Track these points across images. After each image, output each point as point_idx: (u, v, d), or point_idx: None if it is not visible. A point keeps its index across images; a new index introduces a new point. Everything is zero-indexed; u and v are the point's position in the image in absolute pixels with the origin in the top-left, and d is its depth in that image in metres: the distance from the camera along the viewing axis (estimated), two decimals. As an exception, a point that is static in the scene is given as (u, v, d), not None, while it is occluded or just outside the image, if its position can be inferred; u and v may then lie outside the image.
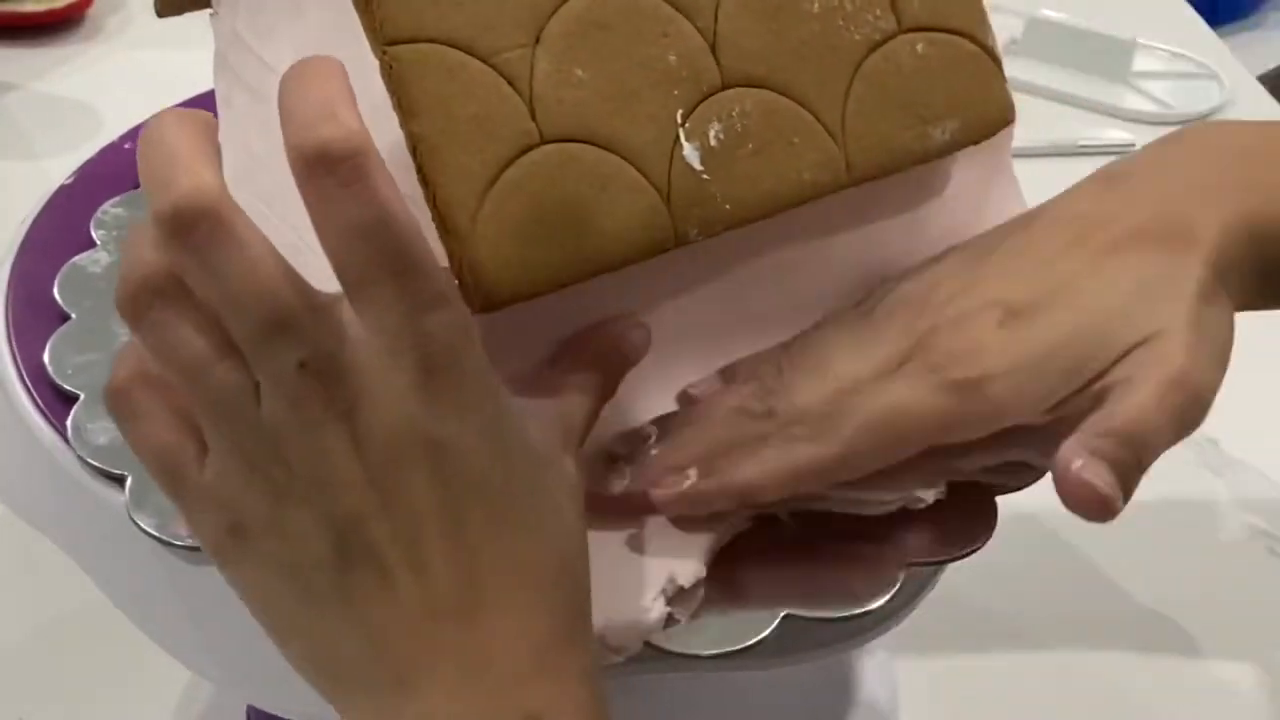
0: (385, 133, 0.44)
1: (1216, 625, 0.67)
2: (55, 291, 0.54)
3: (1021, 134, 0.51)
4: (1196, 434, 0.73)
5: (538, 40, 0.43)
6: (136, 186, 0.59)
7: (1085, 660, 0.66)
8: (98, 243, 0.57)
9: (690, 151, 0.44)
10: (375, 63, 0.42)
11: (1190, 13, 1.23)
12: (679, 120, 0.44)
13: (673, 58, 0.45)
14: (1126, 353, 0.43)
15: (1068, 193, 0.49)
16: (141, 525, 0.46)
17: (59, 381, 0.50)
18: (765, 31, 0.46)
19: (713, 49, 0.45)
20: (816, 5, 0.47)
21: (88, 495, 0.48)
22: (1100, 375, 0.43)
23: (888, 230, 0.51)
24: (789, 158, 0.46)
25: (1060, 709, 0.64)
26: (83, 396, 0.50)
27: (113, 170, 0.60)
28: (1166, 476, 0.73)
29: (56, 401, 0.50)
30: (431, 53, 0.41)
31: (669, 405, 0.48)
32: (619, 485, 0.46)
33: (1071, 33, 1.11)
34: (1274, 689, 0.64)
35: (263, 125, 0.51)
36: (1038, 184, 0.50)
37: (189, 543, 0.45)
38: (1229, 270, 0.45)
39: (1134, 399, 0.42)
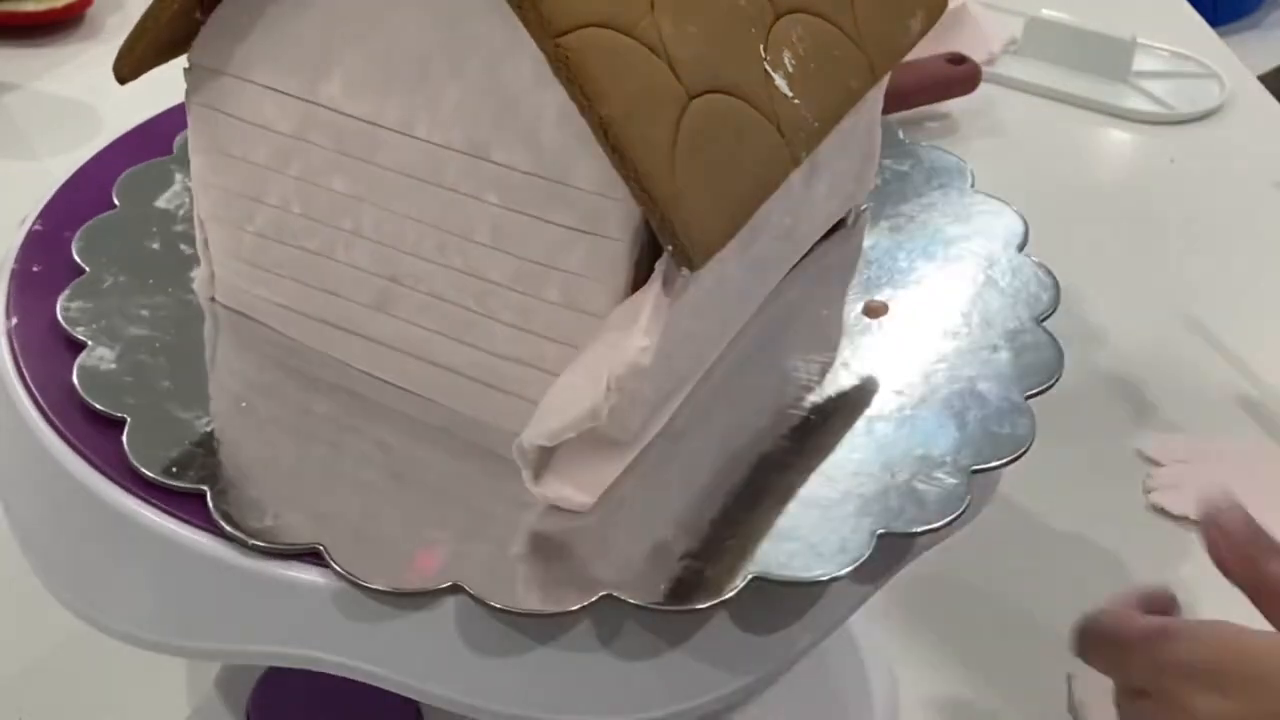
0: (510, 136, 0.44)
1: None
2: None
3: (1019, 133, 0.53)
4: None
5: (652, 6, 0.45)
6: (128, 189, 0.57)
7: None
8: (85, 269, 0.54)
9: (780, 80, 0.48)
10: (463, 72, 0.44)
11: (1190, 12, 1.22)
12: (763, 54, 0.47)
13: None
14: None
15: None
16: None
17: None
18: None
19: None
20: None
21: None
22: None
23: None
24: (838, 69, 0.50)
25: (1059, 707, 0.65)
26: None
27: (112, 171, 0.58)
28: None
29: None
30: (592, 36, 0.43)
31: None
32: None
33: (1071, 33, 1.10)
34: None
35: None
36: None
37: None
38: None
39: None
